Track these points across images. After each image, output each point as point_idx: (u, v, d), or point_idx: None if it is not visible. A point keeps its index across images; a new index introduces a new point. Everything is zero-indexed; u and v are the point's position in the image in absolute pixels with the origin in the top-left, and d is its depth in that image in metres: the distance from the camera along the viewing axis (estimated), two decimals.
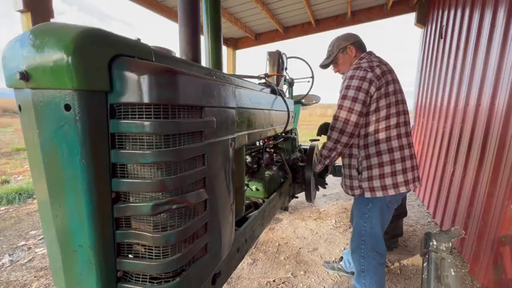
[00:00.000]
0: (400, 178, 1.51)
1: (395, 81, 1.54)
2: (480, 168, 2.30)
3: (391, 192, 1.51)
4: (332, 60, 1.74)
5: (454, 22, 3.21)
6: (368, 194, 1.55)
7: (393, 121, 1.50)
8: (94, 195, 0.59)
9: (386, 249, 1.68)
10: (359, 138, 1.56)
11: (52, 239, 0.66)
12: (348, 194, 1.67)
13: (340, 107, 1.50)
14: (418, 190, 4.11)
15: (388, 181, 1.51)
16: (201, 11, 1.11)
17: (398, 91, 1.54)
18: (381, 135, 1.51)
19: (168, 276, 0.69)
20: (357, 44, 1.67)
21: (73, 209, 0.60)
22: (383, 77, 1.48)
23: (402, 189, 1.52)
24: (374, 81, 1.45)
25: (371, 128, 1.52)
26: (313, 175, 1.78)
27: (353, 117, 1.46)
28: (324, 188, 1.90)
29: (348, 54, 1.68)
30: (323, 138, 1.94)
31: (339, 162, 2.27)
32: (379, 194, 1.53)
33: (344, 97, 1.49)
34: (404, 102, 1.58)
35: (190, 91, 0.69)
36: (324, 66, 1.81)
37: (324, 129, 1.91)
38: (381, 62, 1.55)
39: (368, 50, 1.68)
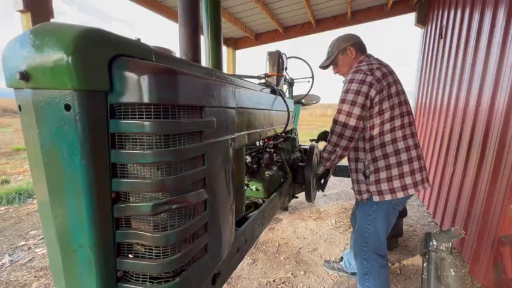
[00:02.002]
0: (408, 180, 1.49)
1: (397, 82, 1.53)
2: (480, 168, 2.30)
3: (400, 195, 1.49)
4: (331, 62, 1.74)
5: (454, 22, 3.21)
6: (376, 198, 1.53)
7: (397, 122, 1.49)
8: (94, 195, 0.59)
9: (387, 251, 1.68)
10: (364, 142, 1.54)
11: (52, 239, 0.66)
12: (357, 199, 1.66)
13: (339, 111, 1.50)
14: None
15: (396, 183, 1.49)
16: (201, 11, 1.11)
17: (401, 92, 1.53)
18: (387, 138, 1.49)
19: (168, 276, 0.69)
20: (357, 45, 1.66)
21: (73, 209, 0.60)
22: (384, 79, 1.47)
23: (411, 191, 1.50)
24: (374, 84, 1.45)
25: (376, 131, 1.50)
26: (316, 177, 1.78)
27: (352, 121, 1.46)
28: (323, 191, 1.91)
29: (348, 55, 1.67)
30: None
31: (340, 162, 2.28)
32: (387, 197, 1.50)
33: (342, 101, 1.49)
34: (407, 102, 1.57)
35: (190, 91, 0.69)
36: (323, 67, 1.82)
37: (322, 137, 1.95)
38: (381, 64, 1.54)
39: (367, 52, 1.68)
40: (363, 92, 1.44)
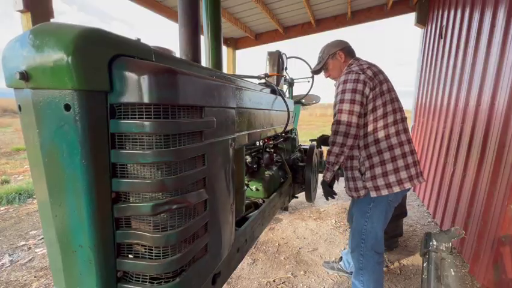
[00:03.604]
0: (404, 174, 1.52)
1: (387, 80, 1.60)
2: (480, 168, 2.30)
3: (396, 189, 1.52)
4: (322, 66, 1.81)
5: (454, 22, 3.21)
6: (373, 194, 1.55)
7: (390, 119, 1.54)
8: (94, 195, 0.59)
9: (383, 248, 1.70)
10: (358, 139, 1.58)
11: (52, 239, 0.66)
12: (353, 197, 1.67)
13: (340, 111, 1.52)
14: (418, 190, 4.11)
15: (392, 178, 1.52)
16: (201, 11, 1.11)
17: (391, 89, 1.59)
18: (380, 134, 1.53)
19: (168, 276, 0.69)
20: (346, 49, 1.74)
21: (73, 209, 0.60)
22: (376, 77, 1.54)
23: (407, 185, 1.53)
24: (367, 82, 1.50)
25: (370, 128, 1.54)
26: (323, 184, 1.76)
27: (354, 119, 1.49)
28: (333, 198, 1.84)
29: (338, 59, 1.75)
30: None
31: None
32: (384, 192, 1.53)
33: (341, 101, 1.52)
34: (398, 99, 1.62)
35: (190, 91, 0.69)
36: (315, 71, 1.90)
37: (323, 141, 1.97)
38: (371, 64, 1.62)
39: (356, 56, 1.75)
40: (359, 90, 1.49)
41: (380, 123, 1.53)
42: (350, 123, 1.49)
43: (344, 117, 1.49)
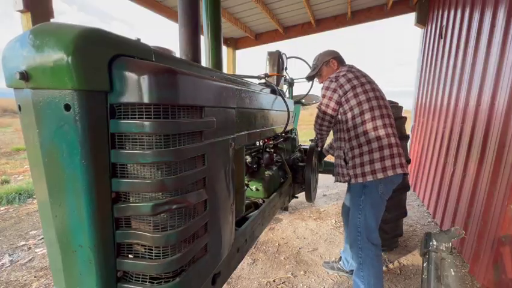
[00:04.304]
0: (378, 165, 1.70)
1: (364, 83, 1.79)
2: (480, 168, 2.30)
3: (369, 178, 1.70)
4: (316, 72, 2.04)
5: (454, 22, 3.21)
6: (353, 181, 1.77)
7: (367, 116, 1.74)
8: (94, 195, 0.59)
9: (380, 241, 1.80)
10: (344, 133, 1.83)
11: (52, 239, 0.66)
12: (340, 181, 1.90)
13: (318, 108, 1.89)
14: (418, 190, 4.11)
15: (367, 168, 1.72)
16: (201, 11, 1.11)
17: (369, 90, 1.78)
18: (359, 129, 1.75)
19: (168, 276, 0.69)
20: (338, 58, 1.98)
21: (73, 209, 0.60)
22: (349, 82, 1.77)
23: (380, 175, 1.69)
24: (337, 90, 1.77)
25: (350, 124, 1.77)
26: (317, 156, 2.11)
27: (326, 117, 1.86)
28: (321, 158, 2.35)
29: (331, 66, 1.98)
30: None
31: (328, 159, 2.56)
32: (360, 180, 1.73)
33: (320, 103, 1.88)
34: (378, 98, 1.79)
35: (190, 91, 0.69)
36: (309, 78, 2.15)
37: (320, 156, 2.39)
38: (349, 71, 1.83)
39: (345, 63, 1.97)
40: (328, 96, 1.80)
41: (358, 120, 1.75)
42: (322, 118, 1.88)
43: (319, 114, 1.89)
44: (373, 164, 1.71)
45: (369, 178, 1.71)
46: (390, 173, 1.70)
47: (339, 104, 1.79)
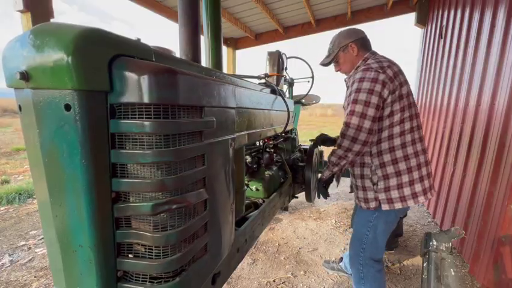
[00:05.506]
0: (418, 187, 1.41)
1: (407, 82, 1.45)
2: (480, 168, 2.30)
3: (410, 203, 1.41)
4: (332, 59, 1.64)
5: (454, 22, 3.21)
6: (386, 207, 1.43)
7: (407, 125, 1.41)
8: (94, 195, 0.59)
9: (383, 256, 1.64)
10: (371, 145, 1.44)
11: (52, 239, 0.66)
12: (361, 207, 1.55)
13: (351, 112, 1.35)
14: None
15: (407, 191, 1.40)
16: (201, 11, 1.11)
17: (410, 93, 1.45)
18: (396, 142, 1.40)
19: (168, 276, 0.69)
20: (360, 41, 1.54)
21: (73, 209, 0.60)
22: (396, 78, 1.38)
23: (421, 199, 1.41)
24: (387, 83, 1.33)
25: (385, 134, 1.41)
26: (319, 182, 1.69)
27: (366, 123, 1.32)
28: (326, 198, 1.75)
29: (350, 52, 1.56)
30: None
31: None
32: (398, 205, 1.41)
33: (354, 101, 1.35)
34: (415, 105, 1.49)
35: (190, 91, 0.69)
36: (324, 64, 1.71)
37: (322, 141, 1.82)
38: (391, 62, 1.45)
39: (371, 49, 1.58)
40: (376, 91, 1.32)
41: (396, 130, 1.40)
42: (360, 128, 1.33)
43: (355, 120, 1.34)
44: (413, 185, 1.39)
45: (410, 203, 1.39)
46: (429, 195, 1.43)
47: (382, 104, 1.35)
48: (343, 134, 1.39)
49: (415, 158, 1.42)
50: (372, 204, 1.47)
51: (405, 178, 1.40)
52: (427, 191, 1.44)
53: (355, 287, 1.71)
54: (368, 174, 1.47)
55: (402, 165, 1.40)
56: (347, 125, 1.37)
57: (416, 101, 1.79)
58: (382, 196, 1.43)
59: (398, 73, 1.41)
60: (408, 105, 1.42)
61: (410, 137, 1.42)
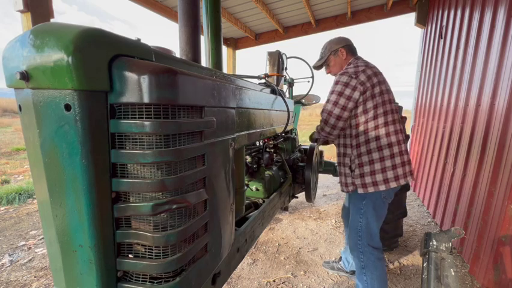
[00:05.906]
0: (390, 174, 1.60)
1: (381, 82, 1.64)
2: (480, 168, 2.30)
3: (382, 187, 1.59)
4: (323, 62, 1.86)
5: (454, 22, 3.21)
6: (360, 190, 1.64)
7: (381, 120, 1.61)
8: (94, 195, 0.59)
9: (381, 244, 1.74)
10: (351, 139, 1.67)
11: (52, 239, 0.66)
12: (343, 191, 1.77)
13: (323, 109, 1.68)
14: (418, 190, 4.11)
15: (379, 177, 1.60)
16: (201, 11, 1.11)
17: (385, 92, 1.64)
18: (371, 135, 1.61)
19: (168, 276, 0.69)
20: (348, 47, 1.78)
21: (73, 209, 0.60)
22: (368, 80, 1.59)
23: (393, 185, 1.60)
24: (357, 87, 1.57)
25: (361, 128, 1.63)
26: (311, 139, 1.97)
27: (332, 120, 1.63)
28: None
29: (339, 56, 1.79)
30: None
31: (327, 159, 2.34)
32: (371, 189, 1.61)
33: (327, 100, 1.65)
34: (391, 101, 1.67)
35: (190, 91, 0.69)
36: (316, 67, 1.94)
37: (313, 139, 2.09)
38: (367, 66, 1.65)
39: (357, 54, 1.79)
40: (345, 94, 1.58)
41: (371, 125, 1.60)
42: (326, 122, 1.65)
43: (324, 116, 1.66)
44: (385, 172, 1.59)
45: (382, 187, 1.59)
46: (402, 181, 1.60)
47: (355, 104, 1.59)
48: (324, 123, 1.70)
49: (388, 148, 1.61)
50: (350, 188, 1.70)
51: (377, 166, 1.61)
52: (400, 177, 1.62)
53: (357, 279, 1.76)
54: (347, 163, 1.71)
55: (375, 155, 1.61)
56: (321, 118, 1.71)
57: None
58: (358, 181, 1.65)
59: (372, 76, 1.62)
60: (382, 103, 1.62)
61: (384, 131, 1.61)
